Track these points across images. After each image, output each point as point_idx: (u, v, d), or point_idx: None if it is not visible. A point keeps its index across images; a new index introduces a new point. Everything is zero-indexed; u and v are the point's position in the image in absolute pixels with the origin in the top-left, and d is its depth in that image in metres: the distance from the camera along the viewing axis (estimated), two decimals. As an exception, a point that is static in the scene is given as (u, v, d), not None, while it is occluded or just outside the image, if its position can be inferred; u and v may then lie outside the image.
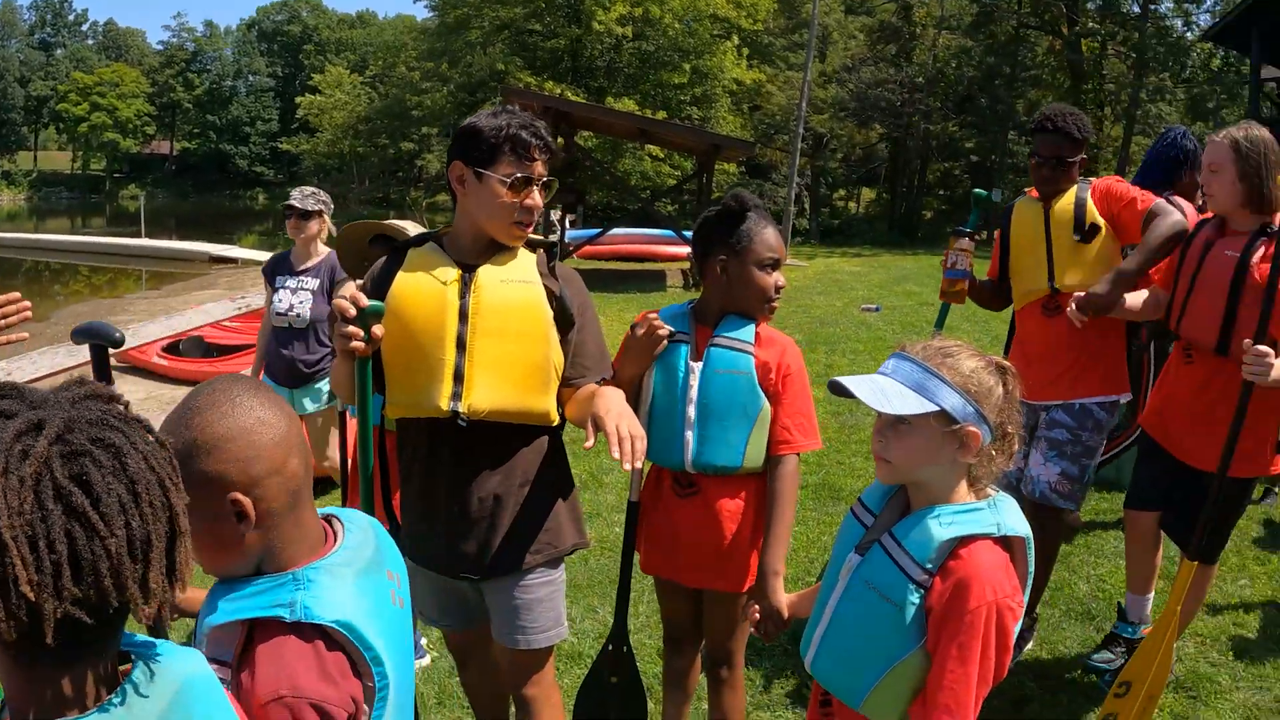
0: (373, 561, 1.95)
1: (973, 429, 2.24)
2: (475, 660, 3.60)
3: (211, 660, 1.65)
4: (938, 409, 2.24)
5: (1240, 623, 5.53)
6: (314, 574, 1.80)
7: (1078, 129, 4.57)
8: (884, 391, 2.28)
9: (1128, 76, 41.94)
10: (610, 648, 3.67)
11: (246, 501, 1.75)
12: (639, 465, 2.79)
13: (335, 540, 1.93)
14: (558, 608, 3.27)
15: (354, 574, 1.86)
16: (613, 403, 2.89)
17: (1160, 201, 4.40)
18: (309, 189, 6.48)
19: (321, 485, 7.16)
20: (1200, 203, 5.26)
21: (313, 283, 6.33)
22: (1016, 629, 2.25)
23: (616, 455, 2.70)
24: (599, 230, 26.65)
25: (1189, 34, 42.35)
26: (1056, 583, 5.83)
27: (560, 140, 23.36)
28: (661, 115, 41.19)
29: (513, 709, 3.52)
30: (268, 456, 1.78)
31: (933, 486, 2.32)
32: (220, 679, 1.62)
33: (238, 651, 1.75)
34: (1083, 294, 4.36)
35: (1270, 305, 3.80)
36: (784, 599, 3.17)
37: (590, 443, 2.80)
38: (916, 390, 2.26)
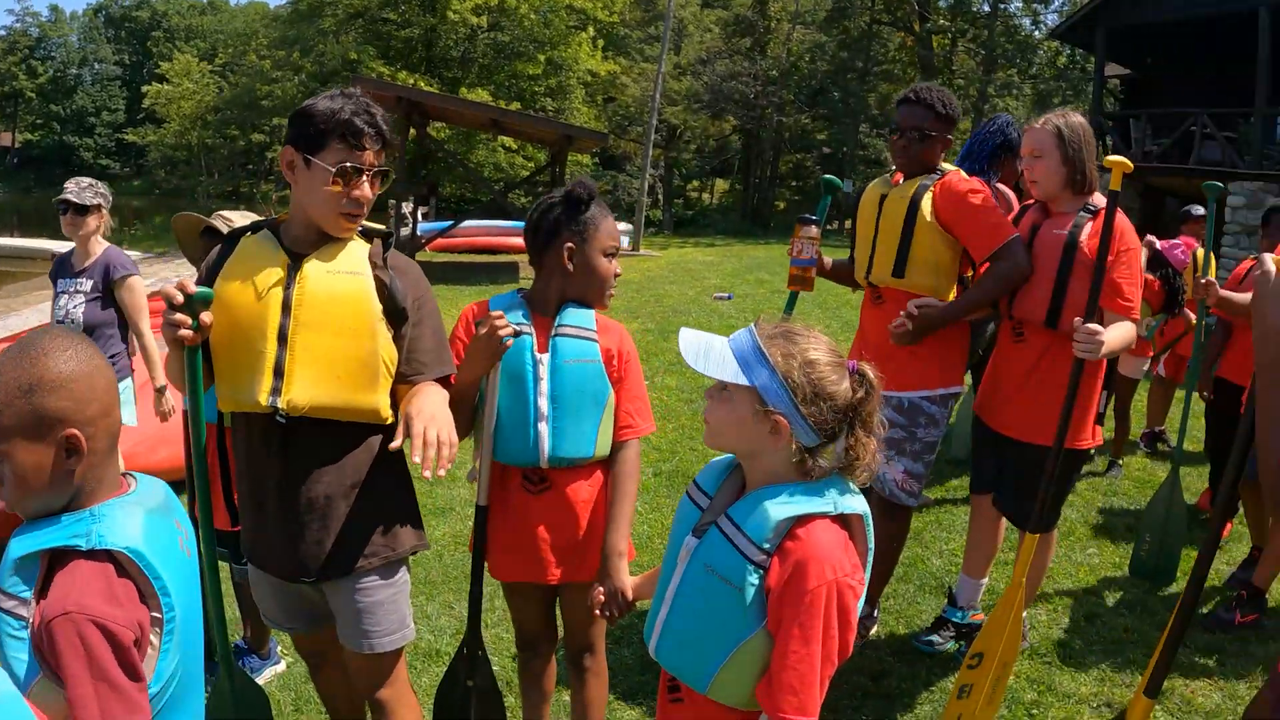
0: (162, 507, 2.11)
1: (780, 418, 2.19)
2: (329, 663, 3.47)
3: (12, 596, 1.85)
4: (749, 385, 2.20)
5: (1090, 589, 5.72)
6: (108, 509, 1.98)
7: (943, 104, 4.52)
8: (707, 353, 2.27)
9: (977, 72, 43.41)
10: (465, 651, 3.55)
11: (82, 437, 1.94)
12: (441, 474, 2.65)
13: (129, 488, 2.10)
14: (401, 610, 3.16)
15: (144, 511, 2.03)
16: (426, 403, 2.78)
17: (1011, 242, 4.34)
18: (86, 180, 5.95)
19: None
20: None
21: (86, 284, 5.79)
22: (860, 606, 2.21)
23: (417, 459, 2.61)
24: (451, 222, 26.39)
25: (1036, 32, 44.12)
26: (910, 559, 5.93)
27: (413, 131, 23.14)
28: (515, 106, 40.94)
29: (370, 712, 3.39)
30: (101, 399, 1.98)
31: (765, 465, 2.27)
32: (23, 617, 1.83)
33: (38, 585, 1.87)
34: (917, 304, 4.36)
35: (1100, 281, 3.91)
36: (628, 580, 3.11)
37: (397, 443, 2.71)
38: (740, 361, 2.22)
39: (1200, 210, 8.52)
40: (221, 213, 4.34)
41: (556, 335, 3.26)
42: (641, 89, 45.04)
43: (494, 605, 5.06)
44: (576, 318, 3.30)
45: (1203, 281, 5.33)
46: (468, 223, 26.73)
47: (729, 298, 16.94)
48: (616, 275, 3.39)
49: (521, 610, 3.60)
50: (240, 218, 4.14)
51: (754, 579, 2.16)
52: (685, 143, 49.72)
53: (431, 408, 2.76)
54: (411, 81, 38.91)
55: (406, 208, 24.10)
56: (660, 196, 46.52)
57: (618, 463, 3.32)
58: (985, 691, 4.01)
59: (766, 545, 2.16)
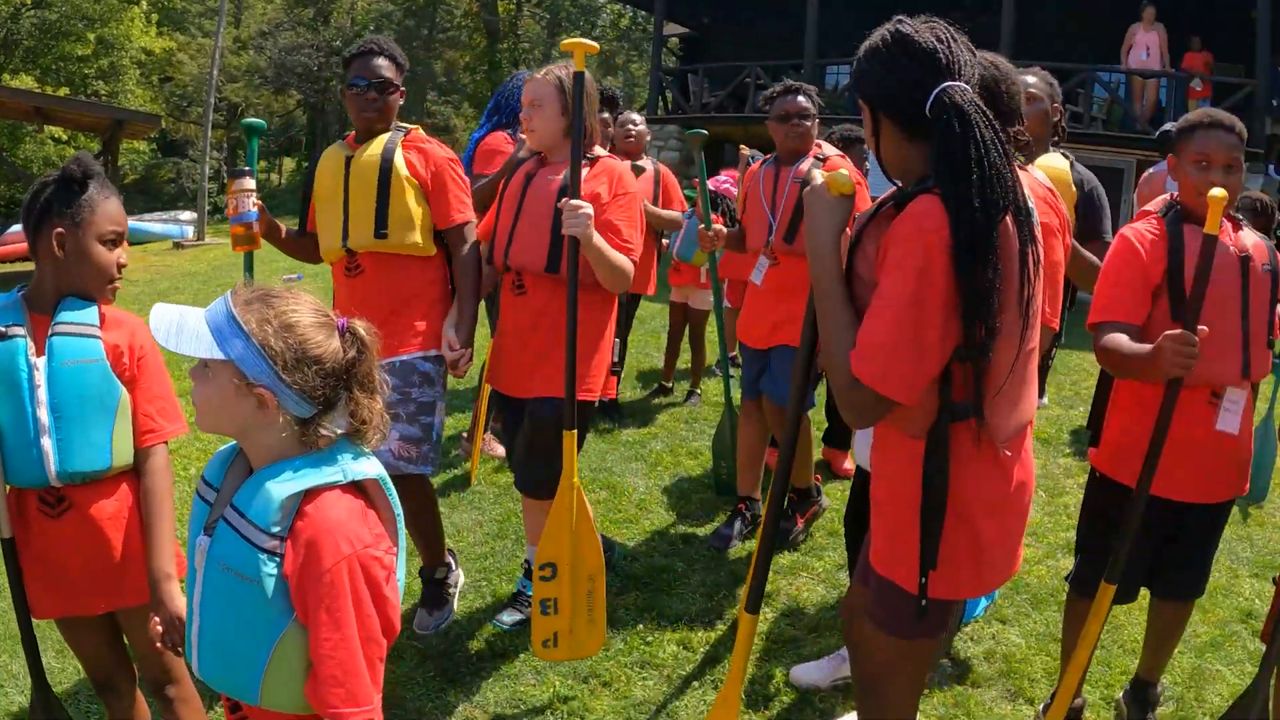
0: None
1: (264, 390, 2.03)
2: None
3: None
4: (225, 359, 2.03)
5: (684, 514, 5.97)
6: None
7: (402, 55, 4.46)
8: (180, 329, 2.06)
9: (542, 35, 44.28)
10: (33, 704, 3.20)
11: None
12: None
13: None
14: None
15: None
16: None
17: (467, 226, 4.34)
18: None
19: None
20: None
21: None
22: (400, 576, 2.13)
23: None
24: (-2, 228, 24.43)
25: (600, -4, 45.65)
26: (504, 514, 5.95)
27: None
28: (64, 92, 38.12)
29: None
30: None
31: (262, 443, 2.10)
32: None
33: None
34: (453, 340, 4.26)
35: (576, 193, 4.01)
36: (182, 603, 2.86)
37: None
38: (215, 334, 2.04)
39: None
40: None
41: (54, 335, 2.92)
42: (200, 66, 42.93)
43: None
44: (75, 314, 2.96)
45: (709, 234, 5.60)
46: (16, 228, 24.73)
47: (299, 278, 16.38)
48: (122, 265, 3.05)
49: (80, 648, 3.24)
50: None
51: (270, 568, 1.99)
52: (248, 121, 48.18)
53: None
54: (-58, 70, 35.59)
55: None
56: (225, 180, 44.86)
57: (144, 474, 3.01)
58: (579, 608, 3.95)
59: (276, 529, 2.00)
